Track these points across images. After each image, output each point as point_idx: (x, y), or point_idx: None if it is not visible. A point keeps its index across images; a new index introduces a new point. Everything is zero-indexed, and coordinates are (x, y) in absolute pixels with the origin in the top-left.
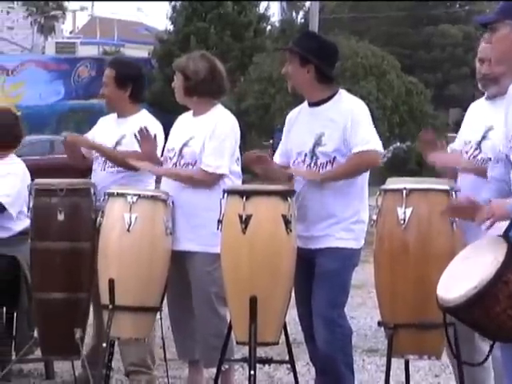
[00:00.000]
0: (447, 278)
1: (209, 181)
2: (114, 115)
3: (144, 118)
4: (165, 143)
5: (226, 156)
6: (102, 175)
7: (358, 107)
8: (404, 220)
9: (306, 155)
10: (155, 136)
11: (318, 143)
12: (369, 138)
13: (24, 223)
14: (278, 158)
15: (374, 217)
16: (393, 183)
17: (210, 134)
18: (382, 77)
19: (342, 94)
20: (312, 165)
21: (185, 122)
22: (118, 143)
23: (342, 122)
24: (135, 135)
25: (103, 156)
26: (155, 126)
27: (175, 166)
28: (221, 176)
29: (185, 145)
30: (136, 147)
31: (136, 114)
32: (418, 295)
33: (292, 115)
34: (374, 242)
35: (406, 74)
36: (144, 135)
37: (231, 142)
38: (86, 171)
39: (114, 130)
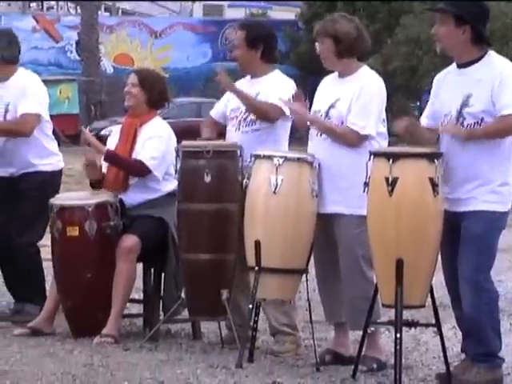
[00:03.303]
0: None
1: (355, 140)
2: (247, 77)
3: (277, 78)
4: (310, 105)
5: (372, 116)
6: (236, 135)
7: (508, 68)
8: None
9: (452, 116)
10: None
11: (465, 104)
12: None
13: (171, 185)
14: (424, 120)
15: None
16: None
17: (357, 95)
18: None
19: (492, 54)
20: (459, 126)
21: (330, 84)
22: None
23: (491, 83)
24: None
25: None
26: (288, 85)
27: None
28: (366, 137)
29: (331, 107)
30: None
31: (269, 74)
32: None
33: (440, 76)
34: None
35: None
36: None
37: (378, 103)
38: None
39: (248, 91)
